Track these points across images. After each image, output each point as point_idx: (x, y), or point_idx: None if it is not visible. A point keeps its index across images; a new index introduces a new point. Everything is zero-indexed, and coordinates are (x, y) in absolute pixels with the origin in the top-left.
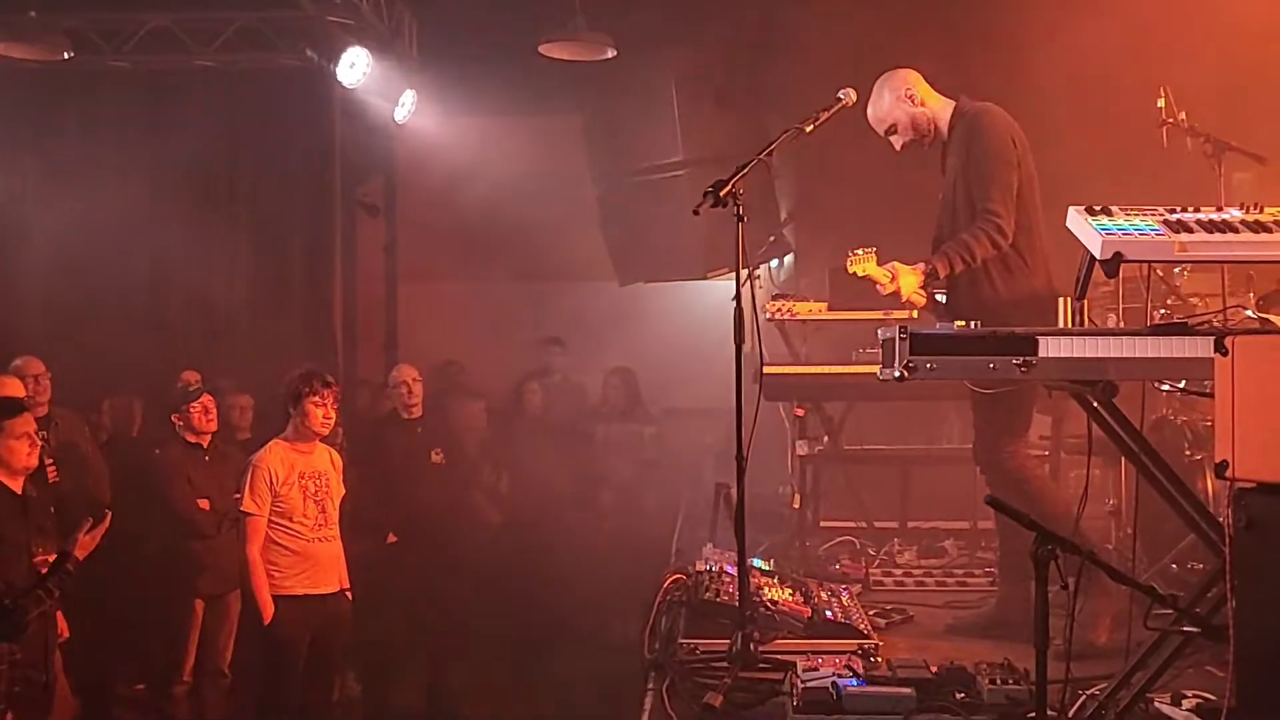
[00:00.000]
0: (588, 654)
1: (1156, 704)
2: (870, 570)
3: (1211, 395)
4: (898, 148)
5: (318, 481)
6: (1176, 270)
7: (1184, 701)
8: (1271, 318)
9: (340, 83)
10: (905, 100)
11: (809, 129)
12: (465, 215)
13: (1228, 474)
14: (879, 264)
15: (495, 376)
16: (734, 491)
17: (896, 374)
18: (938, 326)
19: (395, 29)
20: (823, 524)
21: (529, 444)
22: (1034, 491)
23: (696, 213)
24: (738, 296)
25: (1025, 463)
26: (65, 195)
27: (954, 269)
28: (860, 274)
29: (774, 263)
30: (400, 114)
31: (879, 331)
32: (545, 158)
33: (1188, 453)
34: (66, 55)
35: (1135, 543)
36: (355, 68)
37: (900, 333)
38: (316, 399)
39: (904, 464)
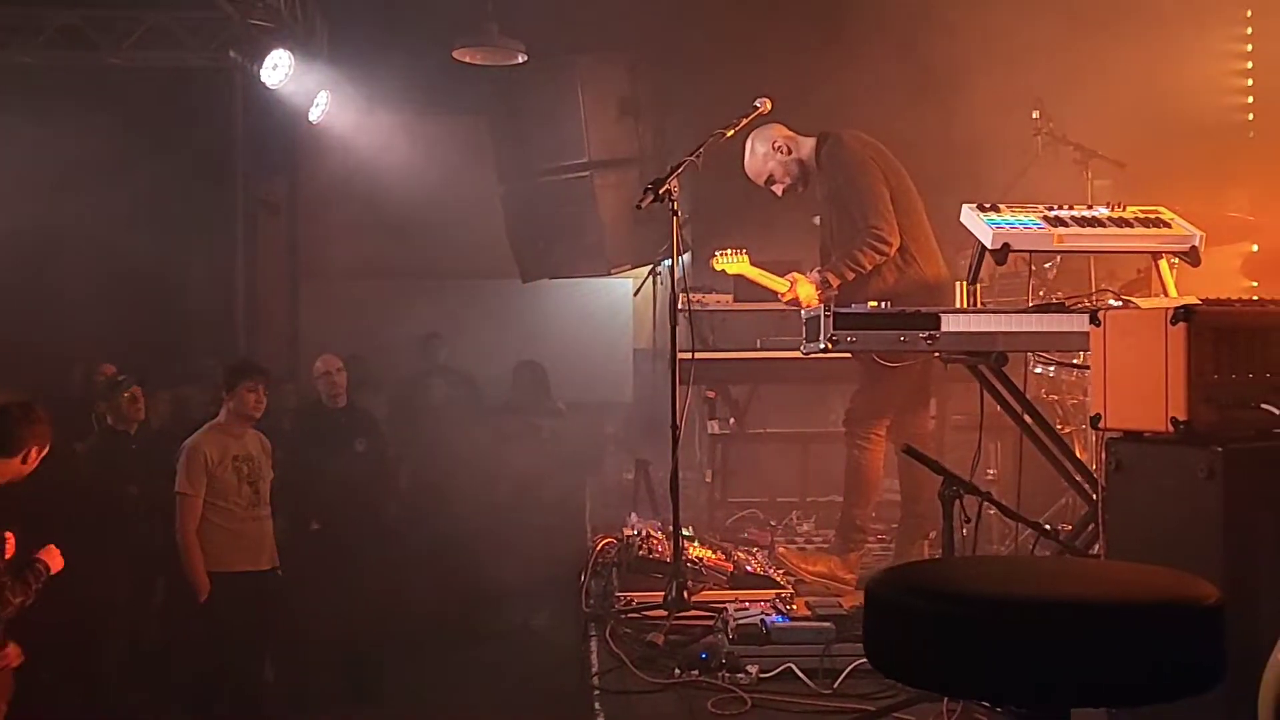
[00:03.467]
0: (512, 634)
1: None
2: (774, 538)
3: (1080, 366)
4: (779, 194)
5: (250, 464)
6: (1047, 265)
7: None
8: (1135, 300)
9: (257, 82)
10: (777, 152)
11: (729, 134)
12: (370, 213)
13: (1101, 425)
14: (760, 264)
15: (396, 371)
16: (652, 467)
17: (821, 346)
18: (853, 306)
19: (308, 30)
20: (730, 499)
21: (430, 437)
22: (869, 462)
23: (640, 207)
24: (672, 283)
25: (879, 441)
26: None
27: (845, 279)
28: (730, 272)
29: (667, 262)
30: (315, 114)
31: (803, 312)
32: (451, 157)
33: (1059, 426)
34: None
35: (1019, 497)
36: (278, 69)
37: (825, 310)
38: (250, 385)
39: (803, 443)
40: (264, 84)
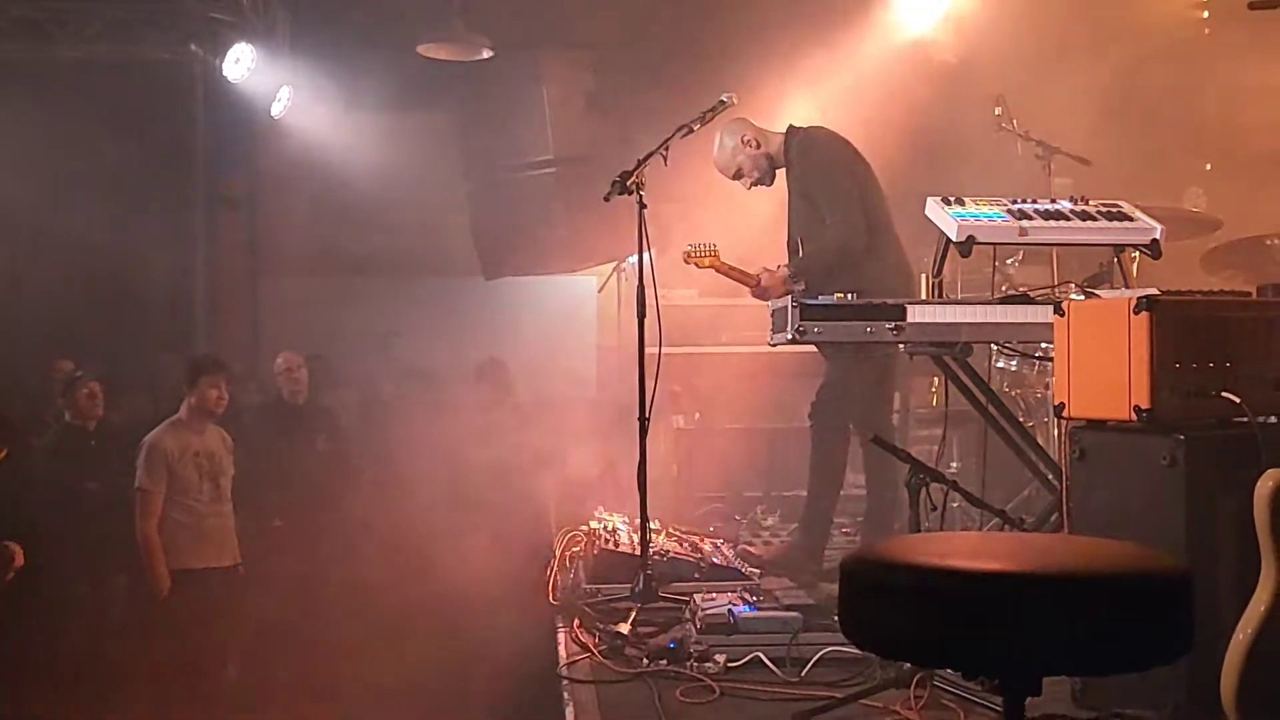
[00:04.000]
0: (476, 629)
1: None
2: (740, 532)
3: (1043, 358)
4: (747, 188)
5: (211, 460)
6: (1009, 261)
7: None
8: (1098, 291)
9: (218, 76)
10: (745, 146)
11: (697, 128)
12: (333, 209)
13: (1065, 414)
14: (721, 258)
15: (357, 368)
16: (618, 461)
17: (789, 337)
18: (819, 298)
19: (270, 23)
20: (695, 494)
21: (392, 434)
22: (834, 454)
23: (607, 199)
24: (640, 277)
25: (845, 432)
26: None
27: (812, 274)
28: (701, 268)
29: (632, 258)
30: (277, 109)
31: (770, 304)
32: (415, 153)
33: (1021, 419)
34: None
35: (983, 488)
36: (240, 63)
37: (792, 302)
38: (211, 380)
39: (768, 438)
40: (225, 78)
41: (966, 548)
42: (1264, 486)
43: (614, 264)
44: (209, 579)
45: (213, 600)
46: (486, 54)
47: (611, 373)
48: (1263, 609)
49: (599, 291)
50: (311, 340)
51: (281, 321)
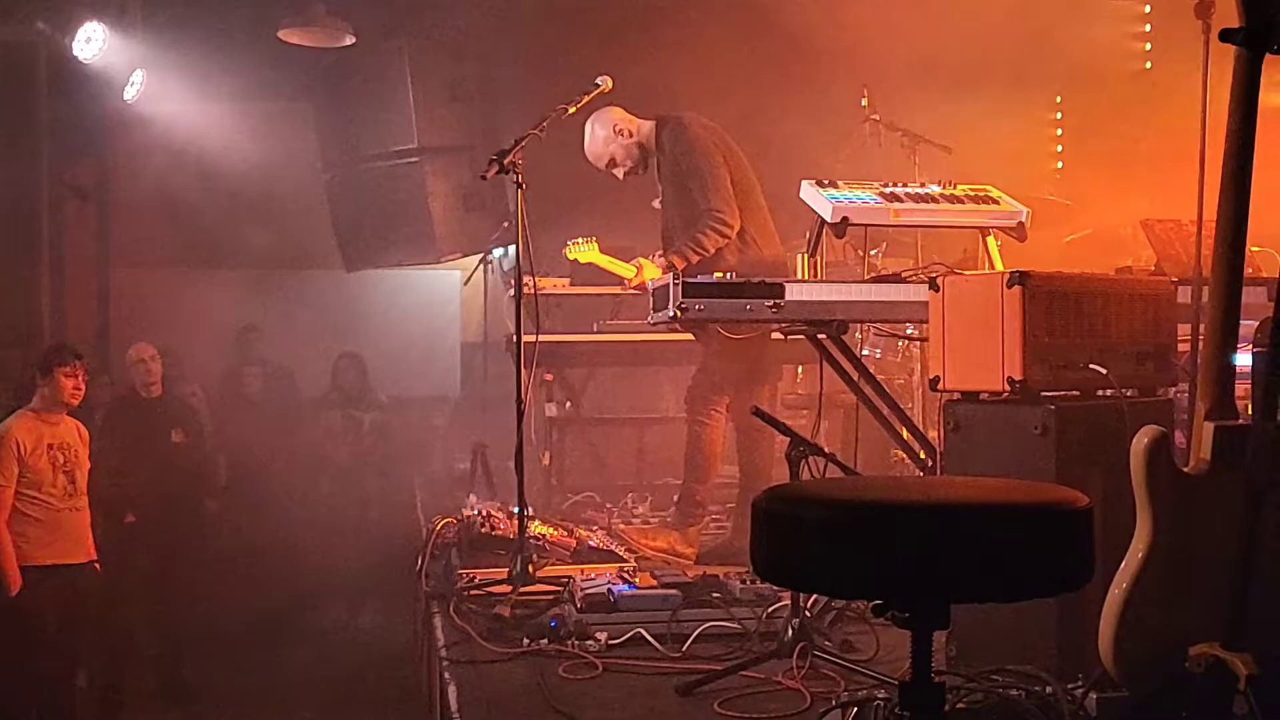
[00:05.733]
0: (338, 629)
1: None
2: (612, 520)
3: (913, 338)
4: (620, 177)
5: (66, 452)
6: (874, 252)
7: None
8: (965, 274)
9: (66, 56)
10: (617, 135)
11: (572, 110)
12: (188, 199)
13: (940, 387)
14: (601, 250)
15: (212, 364)
16: (488, 450)
17: (671, 314)
18: (699, 277)
19: (122, 2)
20: (566, 482)
21: (248, 430)
22: (709, 438)
23: (484, 178)
24: (517, 260)
25: (719, 418)
26: None
27: (689, 261)
28: (582, 260)
29: (498, 251)
30: (130, 93)
31: (650, 283)
32: (274, 141)
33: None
34: None
35: (856, 464)
36: (91, 43)
37: (674, 280)
38: (68, 370)
39: (639, 427)
40: (74, 58)
41: (875, 485)
42: (1140, 442)
43: (479, 256)
44: (62, 577)
45: (65, 599)
46: (349, 40)
47: (476, 367)
48: (1140, 557)
49: (464, 284)
50: (165, 334)
51: (133, 315)
